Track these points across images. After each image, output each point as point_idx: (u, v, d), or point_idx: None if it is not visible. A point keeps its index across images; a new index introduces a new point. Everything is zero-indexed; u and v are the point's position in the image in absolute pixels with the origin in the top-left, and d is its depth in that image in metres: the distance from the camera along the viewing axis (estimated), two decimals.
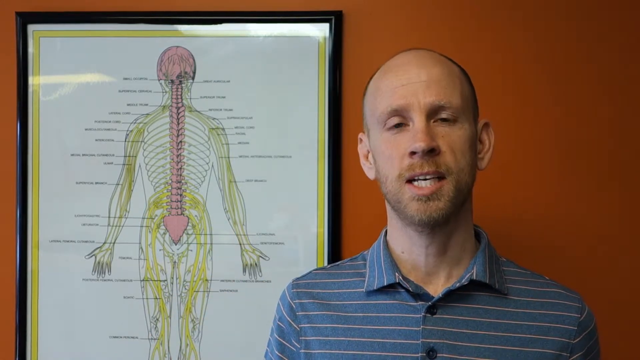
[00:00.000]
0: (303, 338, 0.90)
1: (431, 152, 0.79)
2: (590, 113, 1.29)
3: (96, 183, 1.32)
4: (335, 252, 1.29)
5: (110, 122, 1.32)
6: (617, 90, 1.29)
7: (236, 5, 1.31)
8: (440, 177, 0.80)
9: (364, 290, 0.88)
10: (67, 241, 1.33)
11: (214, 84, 1.31)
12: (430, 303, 0.83)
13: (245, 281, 1.31)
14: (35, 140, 1.32)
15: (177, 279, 1.32)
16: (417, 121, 0.80)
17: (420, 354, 0.81)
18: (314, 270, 0.98)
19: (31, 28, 1.32)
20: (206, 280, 1.31)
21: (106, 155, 1.32)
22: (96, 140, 1.32)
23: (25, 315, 1.32)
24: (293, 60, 1.30)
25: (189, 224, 1.32)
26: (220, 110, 1.31)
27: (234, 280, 1.31)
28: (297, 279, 0.96)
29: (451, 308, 0.83)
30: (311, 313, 0.90)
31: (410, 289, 0.83)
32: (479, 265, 0.84)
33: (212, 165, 1.32)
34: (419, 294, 0.84)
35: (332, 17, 1.28)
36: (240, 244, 1.31)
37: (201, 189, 1.32)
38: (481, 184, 1.29)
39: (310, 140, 1.30)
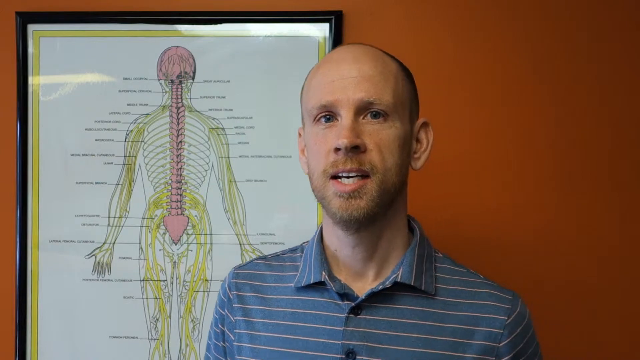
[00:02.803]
0: (237, 331, 0.89)
1: (355, 149, 0.78)
2: (589, 113, 1.29)
3: (96, 183, 1.32)
4: None
5: (110, 122, 1.32)
6: (617, 90, 1.29)
7: (236, 5, 1.32)
8: (364, 175, 0.79)
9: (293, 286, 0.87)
10: (67, 241, 1.33)
11: (214, 84, 1.31)
12: (353, 304, 0.81)
13: None
14: (35, 140, 1.32)
15: (177, 279, 1.32)
16: (344, 117, 0.79)
17: (339, 355, 0.80)
18: (255, 259, 0.96)
19: (31, 28, 1.32)
20: (206, 280, 1.31)
21: (106, 155, 1.32)
22: (96, 140, 1.32)
23: (25, 315, 1.32)
24: (293, 61, 1.30)
25: (189, 224, 1.32)
26: (220, 110, 1.31)
27: None
28: (238, 267, 0.95)
29: (376, 309, 0.81)
30: (247, 306, 0.89)
31: (334, 288, 0.83)
32: (405, 266, 0.82)
33: (212, 165, 1.32)
34: (345, 294, 0.82)
35: (332, 17, 1.28)
36: (240, 244, 1.31)
37: (201, 189, 1.32)
38: (483, 184, 1.30)
39: None
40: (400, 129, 0.81)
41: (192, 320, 1.31)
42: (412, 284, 0.81)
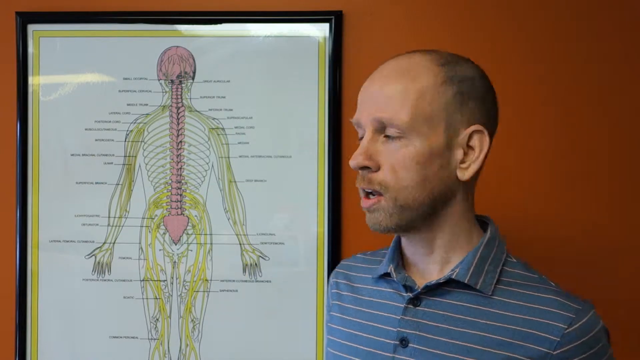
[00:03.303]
0: (332, 313, 0.99)
1: (367, 169, 0.84)
2: (588, 114, 1.29)
3: (96, 183, 1.32)
4: (335, 252, 1.29)
5: (110, 122, 1.32)
6: (618, 90, 1.29)
7: (236, 5, 1.32)
8: (379, 192, 0.83)
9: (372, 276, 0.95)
10: (67, 241, 1.33)
11: (214, 84, 1.31)
12: (412, 295, 0.86)
13: (245, 281, 1.31)
14: (35, 140, 1.32)
15: (177, 279, 1.32)
16: (364, 136, 0.85)
17: (394, 341, 0.86)
18: (359, 254, 1.05)
19: (31, 28, 1.32)
20: (206, 280, 1.31)
21: (106, 155, 1.32)
22: (96, 140, 1.32)
23: (25, 315, 1.32)
24: (293, 60, 1.30)
25: (189, 224, 1.32)
26: (220, 110, 1.31)
27: (234, 280, 1.31)
28: (344, 260, 1.07)
29: (434, 302, 0.85)
30: (342, 293, 0.99)
31: (396, 279, 0.88)
32: (463, 264, 0.85)
33: (212, 165, 1.32)
34: (407, 285, 0.88)
35: (332, 17, 1.28)
36: (240, 244, 1.31)
37: (201, 189, 1.32)
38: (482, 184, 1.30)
39: (310, 140, 1.30)
40: (421, 146, 0.81)
41: (192, 320, 1.31)
42: (465, 281, 0.84)
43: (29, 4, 1.32)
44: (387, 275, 0.91)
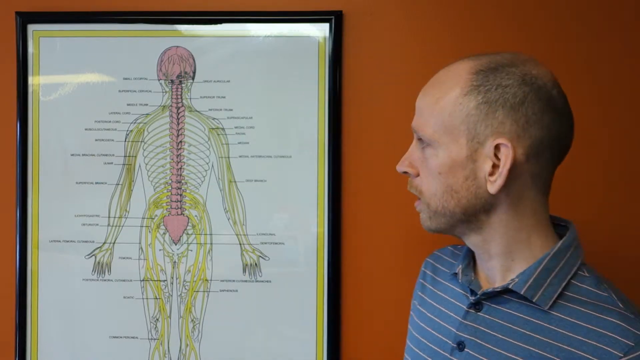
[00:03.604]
0: (414, 300, 1.02)
1: (407, 174, 0.89)
2: (588, 113, 1.29)
3: (96, 183, 1.32)
4: (335, 252, 1.29)
5: (110, 122, 1.32)
6: (618, 90, 1.29)
7: (236, 5, 1.32)
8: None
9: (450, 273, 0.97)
10: (67, 241, 1.33)
11: (214, 84, 1.31)
12: (472, 300, 0.86)
13: (245, 281, 1.31)
14: (35, 140, 1.32)
15: (177, 279, 1.32)
16: (412, 143, 0.89)
17: (452, 344, 0.86)
18: (450, 246, 1.05)
19: (31, 28, 1.32)
20: (206, 280, 1.31)
21: (106, 155, 1.32)
22: (96, 140, 1.32)
23: (25, 315, 1.32)
24: (293, 60, 1.30)
25: (189, 224, 1.32)
26: (220, 110, 1.31)
27: (234, 280, 1.31)
28: (437, 250, 1.07)
29: (494, 310, 0.84)
30: (426, 285, 1.01)
31: (460, 280, 0.90)
32: (524, 275, 0.82)
33: (212, 165, 1.32)
34: (470, 289, 0.88)
35: (332, 17, 1.28)
36: (240, 244, 1.31)
37: (201, 189, 1.32)
38: None
39: (310, 140, 1.30)
40: (443, 157, 0.82)
41: (192, 320, 1.31)
42: (522, 292, 0.81)
43: (29, 4, 1.32)
44: (456, 274, 0.92)
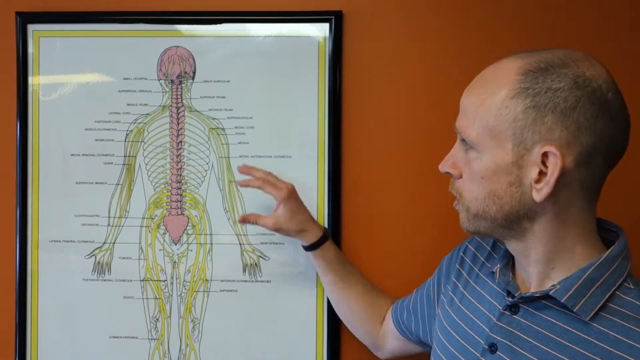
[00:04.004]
0: (447, 285, 0.99)
1: (450, 174, 0.86)
2: None
3: (96, 183, 1.32)
4: None
5: (110, 122, 1.32)
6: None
7: (236, 5, 1.32)
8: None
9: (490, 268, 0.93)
10: (67, 241, 1.33)
11: (214, 84, 1.31)
12: (509, 302, 0.83)
13: (245, 281, 1.31)
14: (35, 140, 1.32)
15: (177, 279, 1.32)
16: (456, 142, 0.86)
17: (485, 345, 0.84)
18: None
19: (31, 28, 1.32)
20: (206, 280, 1.31)
21: (106, 155, 1.32)
22: (96, 140, 1.32)
23: (25, 315, 1.32)
24: (293, 60, 1.30)
25: (189, 224, 1.32)
26: (220, 110, 1.31)
27: (234, 280, 1.31)
28: (478, 236, 1.01)
29: (531, 315, 0.81)
30: (463, 273, 0.98)
31: (497, 280, 0.87)
32: (566, 283, 0.78)
33: (212, 165, 1.32)
34: (507, 290, 0.85)
35: (332, 17, 1.28)
36: (240, 244, 1.31)
37: (201, 189, 1.32)
38: None
39: (310, 140, 1.30)
40: (487, 161, 0.79)
41: (192, 320, 1.31)
42: (562, 300, 0.77)
43: (29, 4, 1.32)
44: (494, 273, 0.89)
